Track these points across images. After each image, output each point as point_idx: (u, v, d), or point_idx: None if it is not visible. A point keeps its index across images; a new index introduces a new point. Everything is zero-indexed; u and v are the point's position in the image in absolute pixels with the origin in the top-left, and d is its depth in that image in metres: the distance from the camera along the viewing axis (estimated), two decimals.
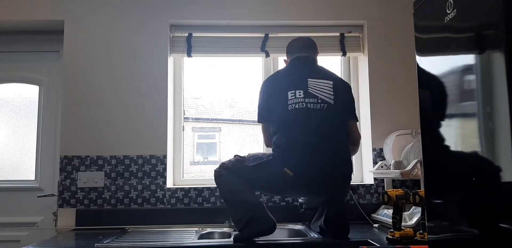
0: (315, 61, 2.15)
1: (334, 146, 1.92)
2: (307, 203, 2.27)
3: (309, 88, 1.97)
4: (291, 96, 1.96)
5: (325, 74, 2.05)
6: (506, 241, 0.93)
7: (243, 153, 2.06)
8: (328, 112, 1.93)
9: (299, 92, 1.96)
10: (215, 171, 2.01)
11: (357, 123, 2.10)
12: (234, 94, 2.97)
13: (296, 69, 2.08)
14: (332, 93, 1.97)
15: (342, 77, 2.63)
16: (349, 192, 2.48)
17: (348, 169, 1.97)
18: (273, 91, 2.04)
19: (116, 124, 2.54)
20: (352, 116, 2.05)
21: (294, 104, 1.94)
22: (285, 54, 2.21)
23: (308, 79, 1.99)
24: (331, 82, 2.00)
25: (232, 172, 1.95)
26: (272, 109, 2.01)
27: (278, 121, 1.97)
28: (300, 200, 2.36)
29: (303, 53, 2.13)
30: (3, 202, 2.65)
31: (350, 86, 2.12)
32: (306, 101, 1.94)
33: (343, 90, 2.03)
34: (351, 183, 2.07)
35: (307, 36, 2.27)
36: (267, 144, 2.10)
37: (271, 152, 1.98)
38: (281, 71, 2.17)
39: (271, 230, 1.87)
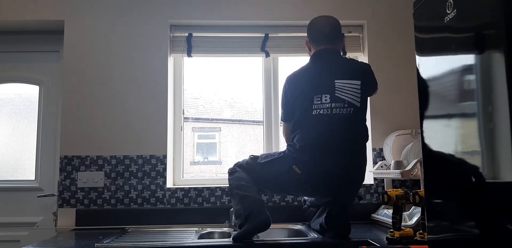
0: (339, 52, 2.09)
1: (353, 151, 1.92)
2: (311, 201, 2.27)
3: (336, 92, 1.93)
4: (317, 101, 1.93)
5: (353, 73, 1.97)
6: (506, 241, 0.93)
7: (257, 153, 2.13)
8: (353, 116, 1.92)
9: (326, 97, 1.93)
10: (229, 168, 2.09)
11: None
12: (234, 94, 2.97)
13: (323, 68, 2.01)
14: (359, 95, 1.93)
15: None
16: (355, 198, 2.42)
17: (360, 175, 1.97)
18: (299, 92, 2.00)
19: (116, 124, 2.54)
20: (372, 94, 2.09)
21: (319, 110, 1.93)
22: (307, 35, 2.12)
23: (336, 81, 1.94)
24: (359, 82, 1.94)
25: (245, 170, 2.03)
26: (296, 110, 2.00)
27: (299, 123, 1.98)
28: (304, 197, 2.37)
29: (328, 45, 2.05)
30: (3, 202, 2.65)
31: (371, 70, 2.04)
32: (332, 106, 1.91)
33: (369, 84, 2.00)
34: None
35: (331, 18, 2.10)
36: (289, 143, 2.10)
37: (285, 149, 2.02)
38: (306, 68, 2.07)
39: (265, 225, 1.86)
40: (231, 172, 2.06)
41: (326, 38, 2.06)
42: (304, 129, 1.95)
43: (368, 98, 2.07)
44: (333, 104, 1.92)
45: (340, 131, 1.91)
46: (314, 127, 1.93)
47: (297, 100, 2.00)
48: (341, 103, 1.91)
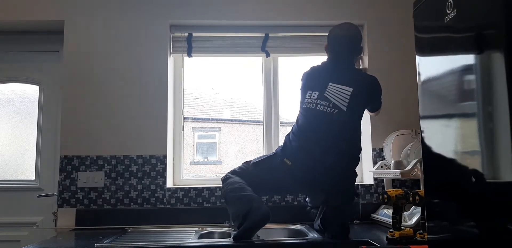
0: (349, 62, 2.15)
1: (338, 152, 1.98)
2: (311, 202, 2.29)
3: (326, 91, 2.05)
4: (308, 96, 2.09)
5: (349, 80, 2.06)
6: (506, 241, 0.93)
7: (255, 155, 2.22)
8: (336, 117, 1.99)
9: (315, 93, 2.08)
10: (222, 177, 2.12)
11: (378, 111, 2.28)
12: (234, 94, 2.97)
13: (325, 70, 2.16)
14: (347, 100, 2.01)
15: None
16: (349, 199, 2.39)
17: (346, 175, 2.01)
18: (301, 87, 2.19)
19: (116, 124, 2.54)
20: (373, 110, 2.24)
21: (307, 104, 2.08)
22: (327, 41, 2.21)
23: (330, 83, 2.06)
24: (351, 89, 2.02)
25: (238, 174, 2.08)
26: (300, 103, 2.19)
27: (298, 116, 2.14)
28: (307, 199, 2.40)
29: (341, 49, 2.14)
30: (3, 202, 2.65)
31: (376, 85, 2.13)
32: (317, 102, 2.05)
33: (364, 95, 2.08)
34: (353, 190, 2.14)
35: (351, 30, 2.17)
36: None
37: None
38: (316, 67, 2.21)
39: (265, 219, 1.86)
40: (224, 179, 2.08)
41: (339, 44, 2.16)
42: (296, 125, 2.11)
43: (365, 109, 2.15)
44: (319, 101, 2.05)
45: (322, 125, 2.01)
46: (305, 117, 2.08)
47: (301, 94, 2.18)
48: (326, 102, 2.03)
